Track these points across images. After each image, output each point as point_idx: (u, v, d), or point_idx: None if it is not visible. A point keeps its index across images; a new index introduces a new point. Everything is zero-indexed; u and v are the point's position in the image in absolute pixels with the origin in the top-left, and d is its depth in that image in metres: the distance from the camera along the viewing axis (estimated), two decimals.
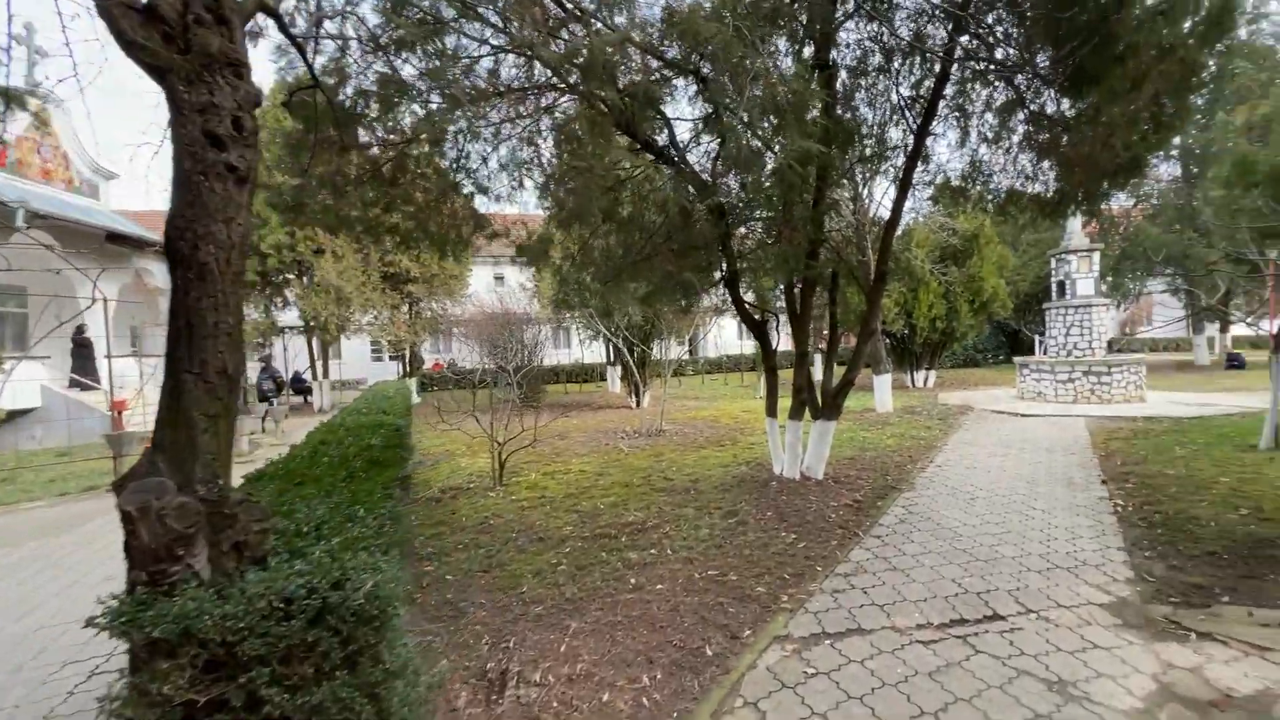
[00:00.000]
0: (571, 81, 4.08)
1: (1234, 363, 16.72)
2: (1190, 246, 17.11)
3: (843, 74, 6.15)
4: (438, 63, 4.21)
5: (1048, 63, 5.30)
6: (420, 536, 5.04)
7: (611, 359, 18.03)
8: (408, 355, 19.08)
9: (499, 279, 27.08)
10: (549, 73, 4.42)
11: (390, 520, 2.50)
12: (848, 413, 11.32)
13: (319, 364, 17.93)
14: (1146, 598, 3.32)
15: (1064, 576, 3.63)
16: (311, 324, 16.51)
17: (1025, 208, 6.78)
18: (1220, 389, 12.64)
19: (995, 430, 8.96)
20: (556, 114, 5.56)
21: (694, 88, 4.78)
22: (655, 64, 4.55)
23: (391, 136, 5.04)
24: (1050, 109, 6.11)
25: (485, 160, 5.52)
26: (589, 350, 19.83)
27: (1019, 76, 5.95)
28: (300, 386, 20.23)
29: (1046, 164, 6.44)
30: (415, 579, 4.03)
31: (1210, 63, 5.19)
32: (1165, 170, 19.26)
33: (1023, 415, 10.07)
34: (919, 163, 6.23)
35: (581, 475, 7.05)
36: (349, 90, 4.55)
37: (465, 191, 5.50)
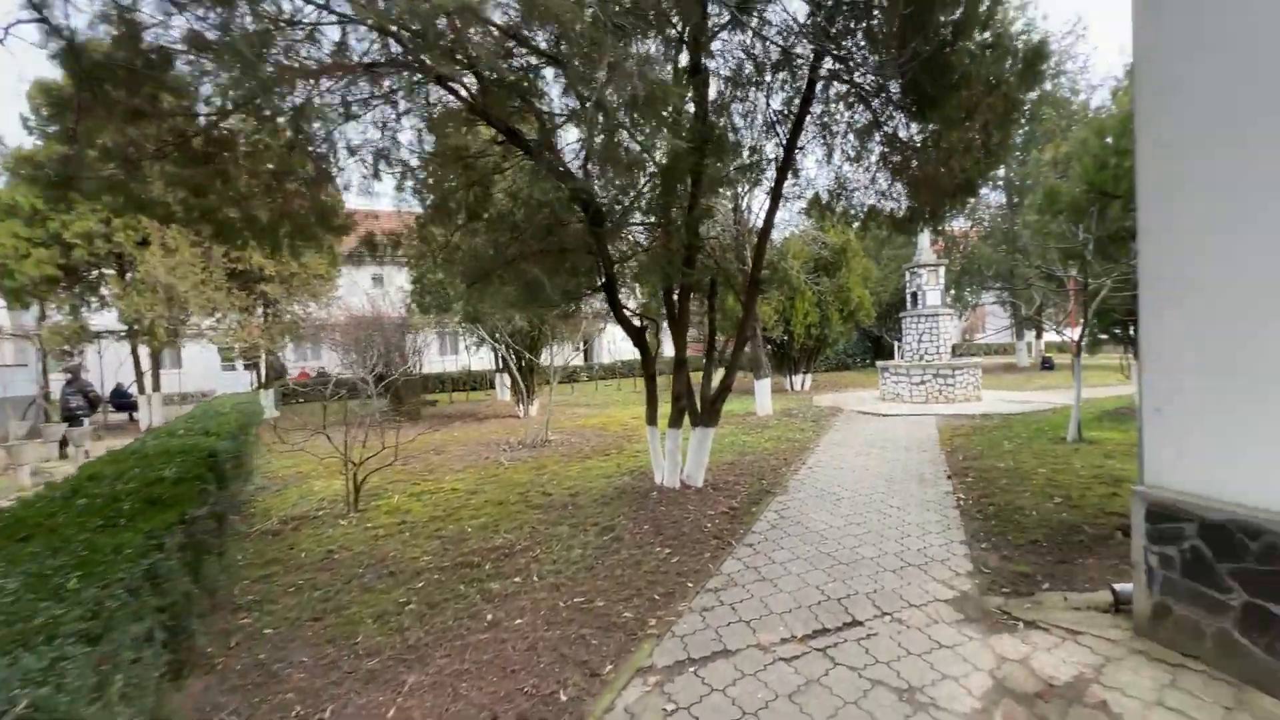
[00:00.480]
0: (420, 57, 3.63)
1: (1046, 365, 19.61)
2: (1014, 265, 19.82)
3: (719, 83, 6.23)
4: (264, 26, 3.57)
5: (900, 90, 5.68)
6: (244, 580, 4.26)
7: (500, 366, 17.26)
8: (262, 364, 16.87)
9: (377, 280, 24.98)
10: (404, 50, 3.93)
11: (147, 581, 1.94)
12: (731, 416, 11.64)
13: (147, 375, 15.31)
14: (984, 589, 3.54)
15: (915, 575, 3.79)
16: (135, 328, 14.04)
17: (883, 223, 7.29)
18: (1037, 387, 14.70)
19: (861, 430, 9.61)
20: (419, 99, 5.04)
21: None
22: (520, 50, 4.23)
23: (206, 110, 4.24)
24: (903, 134, 6.61)
25: (331, 143, 4.85)
26: (477, 357, 18.85)
27: (875, 100, 6.36)
28: (122, 402, 17.20)
29: (899, 185, 6.96)
30: (221, 637, 3.34)
31: (1027, 103, 5.85)
32: (994, 198, 22.21)
33: (884, 415, 10.93)
34: (789, 175, 6.45)
35: (453, 494, 6.48)
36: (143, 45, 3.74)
37: (304, 178, 4.79)
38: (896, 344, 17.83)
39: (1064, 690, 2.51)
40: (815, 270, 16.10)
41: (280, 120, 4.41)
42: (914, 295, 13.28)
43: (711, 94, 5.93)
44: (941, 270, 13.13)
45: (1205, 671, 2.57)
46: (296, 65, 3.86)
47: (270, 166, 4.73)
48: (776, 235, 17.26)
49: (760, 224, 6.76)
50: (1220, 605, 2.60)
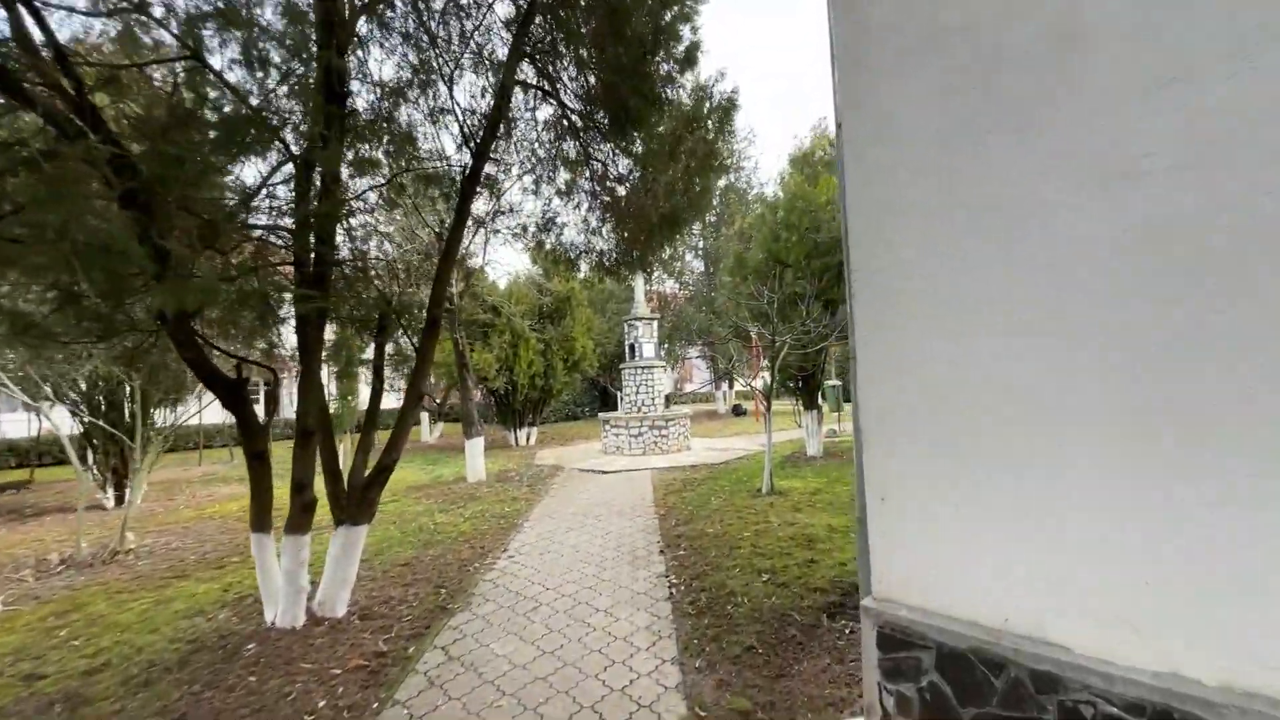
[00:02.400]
0: None
1: (738, 411, 22.58)
2: (712, 323, 22.60)
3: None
4: None
5: (604, 111, 4.98)
6: None
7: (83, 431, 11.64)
8: None
9: None
10: None
11: None
12: (434, 487, 9.58)
13: None
14: None
15: None
16: None
17: (593, 264, 6.61)
18: (733, 433, 16.37)
19: (578, 493, 8.66)
20: None
21: None
22: None
23: None
24: (613, 171, 6.03)
25: None
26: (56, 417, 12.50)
27: (584, 133, 5.62)
28: None
29: (609, 226, 6.38)
30: None
31: (725, 154, 5.79)
32: (696, 265, 25.40)
33: (604, 473, 10.31)
34: (480, 189, 5.19)
35: None
36: None
37: None
38: (619, 394, 18.10)
39: None
40: (540, 318, 15.36)
41: None
42: (632, 347, 13.44)
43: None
44: (655, 324, 13.64)
45: None
46: None
47: None
48: (499, 280, 16.16)
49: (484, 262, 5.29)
50: None
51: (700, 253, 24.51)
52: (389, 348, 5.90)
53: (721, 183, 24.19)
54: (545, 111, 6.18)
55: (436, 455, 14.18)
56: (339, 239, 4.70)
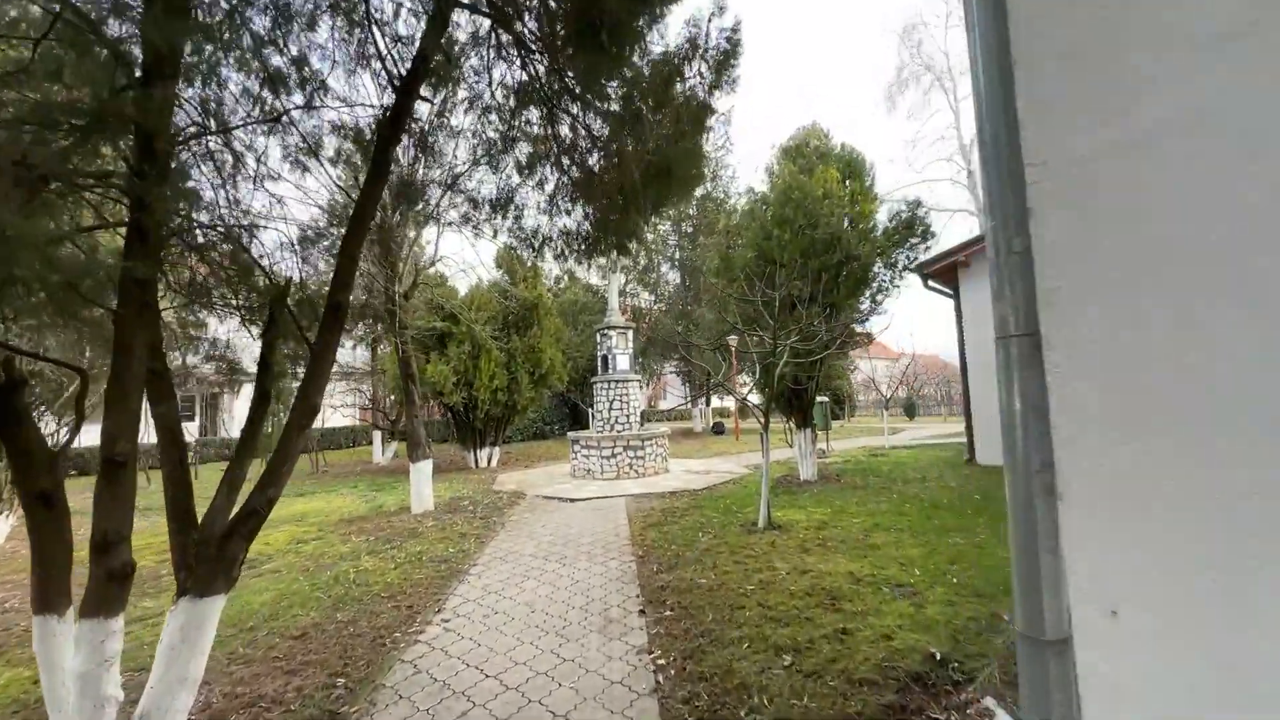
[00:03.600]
0: None
1: (717, 430, 21.50)
2: (691, 333, 21.59)
3: None
4: None
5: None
6: None
7: None
8: None
9: None
10: None
11: None
12: (374, 520, 8.13)
13: None
14: None
15: None
16: None
17: (563, 249, 5.46)
18: (713, 453, 15.22)
19: (541, 527, 7.34)
20: None
21: None
22: None
23: None
24: (583, 141, 4.92)
25: None
26: None
27: (544, 74, 4.50)
28: None
29: (579, 206, 5.26)
30: None
31: (719, 112, 4.71)
32: (673, 277, 24.44)
33: (571, 501, 9.00)
34: (404, 137, 3.99)
35: None
36: None
37: None
38: (591, 411, 16.84)
39: None
40: (504, 327, 14.05)
41: None
42: (604, 359, 12.23)
43: None
44: (630, 334, 12.49)
45: None
46: None
47: None
48: (455, 280, 14.82)
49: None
50: None
51: (676, 264, 23.59)
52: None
53: (699, 191, 23.42)
54: (501, 70, 5.07)
55: (386, 480, 12.63)
56: (202, 191, 3.43)
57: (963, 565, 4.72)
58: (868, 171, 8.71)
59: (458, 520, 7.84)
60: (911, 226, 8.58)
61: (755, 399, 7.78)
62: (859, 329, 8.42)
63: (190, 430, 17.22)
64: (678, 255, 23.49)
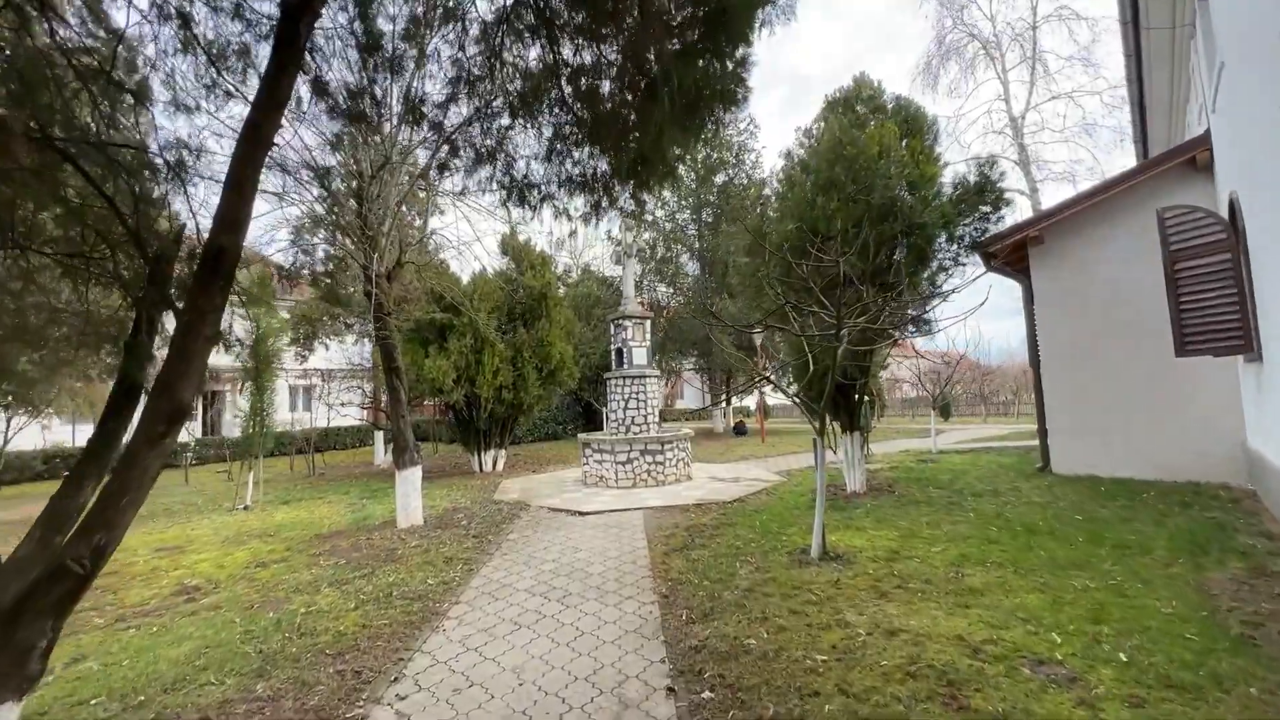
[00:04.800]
0: None
1: (739, 431, 20.15)
2: (712, 328, 20.28)
3: None
4: None
5: None
6: None
7: None
8: None
9: None
10: None
11: None
12: (353, 536, 7.01)
13: None
14: None
15: None
16: None
17: (564, 208, 4.26)
18: (739, 457, 13.91)
19: (542, 550, 6.14)
20: None
21: None
22: None
23: None
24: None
25: None
26: None
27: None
28: None
29: (585, 149, 4.09)
30: None
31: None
32: (692, 268, 23.11)
33: (581, 515, 7.80)
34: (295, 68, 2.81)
35: None
36: None
37: None
38: (604, 411, 15.72)
39: None
40: (510, 319, 12.91)
41: None
42: (619, 352, 11.00)
43: None
44: (648, 324, 11.25)
45: None
46: None
47: None
48: (462, 271, 13.75)
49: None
50: None
51: (695, 254, 22.24)
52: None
53: (719, 178, 22.07)
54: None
55: (382, 484, 11.56)
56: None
57: (1115, 625, 3.40)
58: (929, 128, 7.36)
59: (447, 539, 6.67)
60: (983, 192, 7.22)
61: (774, 399, 6.51)
62: (923, 314, 7.06)
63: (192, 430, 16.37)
64: (697, 245, 22.15)
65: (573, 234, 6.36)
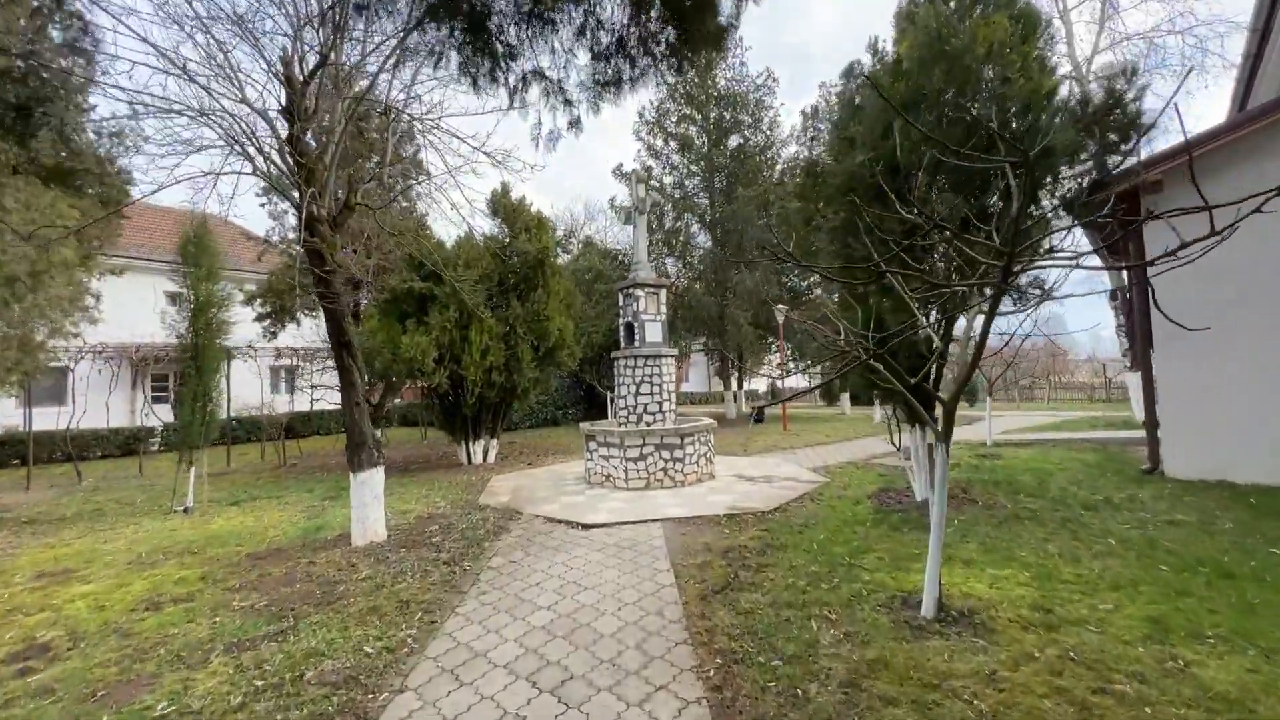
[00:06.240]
0: None
1: (758, 418, 18.56)
2: (723, 307, 18.60)
3: None
4: None
5: None
6: None
7: None
8: None
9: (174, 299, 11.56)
10: None
11: None
12: (295, 555, 5.42)
13: None
14: None
15: None
16: None
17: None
18: (763, 448, 12.32)
19: (536, 587, 4.56)
20: None
21: None
22: None
23: None
24: None
25: None
26: None
27: None
28: None
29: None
30: None
31: None
32: (704, 240, 21.32)
33: (584, 527, 6.23)
34: None
35: None
36: None
37: None
38: (610, 395, 14.08)
39: None
40: (502, 290, 11.23)
41: None
42: (629, 327, 9.34)
43: None
44: (663, 294, 9.56)
45: None
46: None
47: None
48: (444, 233, 11.96)
49: None
50: None
51: (707, 224, 20.41)
52: None
53: (733, 141, 20.17)
54: None
55: None
56: None
57: None
58: (1041, 31, 5.61)
59: (409, 566, 5.10)
60: (1110, 114, 5.50)
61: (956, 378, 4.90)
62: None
63: (163, 414, 14.82)
64: (709, 216, 20.32)
65: (576, 125, 4.64)
